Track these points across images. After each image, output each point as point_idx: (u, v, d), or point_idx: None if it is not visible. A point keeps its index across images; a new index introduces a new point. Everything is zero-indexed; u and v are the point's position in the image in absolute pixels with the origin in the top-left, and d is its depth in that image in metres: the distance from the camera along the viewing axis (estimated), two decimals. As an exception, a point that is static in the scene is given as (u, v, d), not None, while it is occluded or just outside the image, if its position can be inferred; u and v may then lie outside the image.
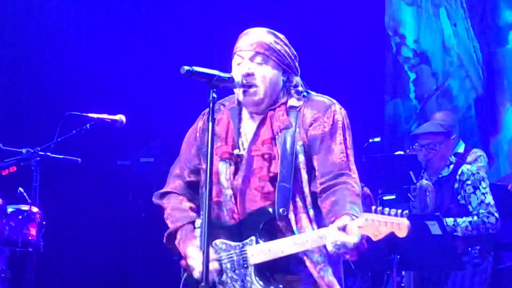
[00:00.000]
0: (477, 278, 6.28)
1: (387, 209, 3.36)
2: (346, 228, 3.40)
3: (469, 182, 6.27)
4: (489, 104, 8.68)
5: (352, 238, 3.39)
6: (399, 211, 3.35)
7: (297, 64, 3.80)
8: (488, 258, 6.37)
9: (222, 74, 3.59)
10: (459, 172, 6.32)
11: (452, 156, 6.50)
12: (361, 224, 3.38)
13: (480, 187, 6.27)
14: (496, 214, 6.25)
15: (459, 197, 6.29)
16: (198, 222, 3.78)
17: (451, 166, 6.41)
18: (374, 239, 3.40)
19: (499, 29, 8.71)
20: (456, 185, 6.31)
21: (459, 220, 6.20)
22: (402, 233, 3.34)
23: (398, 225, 3.34)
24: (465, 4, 8.90)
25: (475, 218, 6.22)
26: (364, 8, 8.89)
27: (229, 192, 3.74)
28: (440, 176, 6.44)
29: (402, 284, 6.62)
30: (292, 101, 3.75)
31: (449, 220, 6.20)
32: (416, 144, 6.63)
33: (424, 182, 6.49)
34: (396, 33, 9.19)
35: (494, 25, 8.73)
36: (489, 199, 6.25)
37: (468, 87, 8.81)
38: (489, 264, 6.38)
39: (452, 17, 8.96)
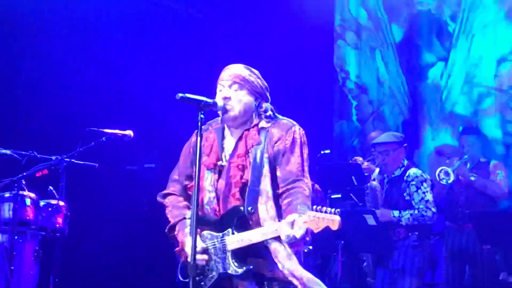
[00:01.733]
0: (417, 257, 6.32)
1: (324, 208, 3.47)
2: (294, 223, 3.47)
3: (413, 182, 6.34)
4: (413, 126, 8.73)
5: (299, 232, 3.47)
6: (333, 209, 3.46)
7: (267, 93, 3.85)
8: (426, 242, 6.41)
9: (208, 100, 3.64)
10: (407, 174, 6.40)
11: (405, 160, 6.53)
12: (306, 219, 3.46)
13: (422, 187, 6.34)
14: (434, 209, 6.32)
15: (405, 194, 6.34)
16: (188, 214, 3.81)
17: (402, 168, 6.48)
18: (315, 231, 3.49)
19: (421, 68, 8.78)
20: (403, 185, 6.35)
21: (403, 212, 6.27)
22: (334, 226, 3.45)
23: (332, 220, 3.44)
24: (395, 48, 8.95)
25: (416, 211, 6.27)
26: (318, 50, 8.99)
27: (213, 194, 3.78)
28: (393, 176, 6.49)
29: (365, 263, 6.66)
30: (262, 123, 3.80)
31: (396, 212, 6.29)
32: (374, 150, 6.70)
33: (374, 183, 6.59)
34: (342, 69, 9.24)
35: (417, 65, 8.80)
36: (429, 197, 6.32)
37: (397, 112, 8.87)
38: (427, 246, 6.43)
39: (385, 58, 9.02)
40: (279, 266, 3.61)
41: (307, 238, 3.57)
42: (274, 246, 3.61)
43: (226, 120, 3.77)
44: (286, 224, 3.49)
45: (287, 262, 3.62)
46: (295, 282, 3.61)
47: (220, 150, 3.82)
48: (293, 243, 3.58)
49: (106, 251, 7.51)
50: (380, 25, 9.04)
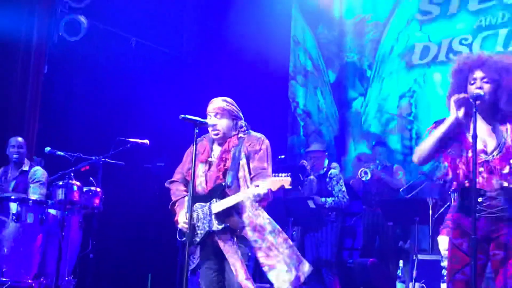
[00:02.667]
0: (334, 230, 6.37)
1: (280, 174, 3.54)
2: (259, 185, 3.52)
3: (334, 178, 6.43)
4: (341, 140, 8.80)
5: (263, 190, 3.50)
6: (286, 174, 3.52)
7: (240, 113, 3.93)
8: (339, 219, 6.46)
9: (201, 120, 3.75)
10: (329, 172, 6.45)
11: (326, 163, 6.60)
12: (270, 180, 3.53)
13: (340, 182, 6.44)
14: (347, 197, 6.37)
15: (328, 186, 6.39)
16: (184, 194, 3.88)
17: (325, 169, 6.53)
18: (273, 189, 3.52)
19: (347, 100, 8.86)
20: (327, 180, 6.41)
21: (328, 198, 6.31)
22: (286, 185, 3.50)
23: (285, 180, 3.49)
24: (330, 86, 9.01)
25: (336, 198, 6.33)
26: (277, 87, 9.09)
27: (203, 178, 3.81)
28: (319, 173, 6.52)
29: (294, 232, 6.66)
30: (240, 134, 3.88)
31: (323, 199, 6.32)
32: (309, 157, 6.75)
33: (311, 177, 6.61)
34: (294, 100, 9.29)
35: (345, 98, 8.89)
36: (344, 188, 6.43)
37: (331, 130, 8.94)
38: (340, 222, 6.48)
39: (323, 93, 9.09)
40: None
41: (266, 198, 3.62)
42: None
43: (215, 139, 3.84)
44: (254, 187, 3.56)
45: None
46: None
47: (210, 151, 3.89)
48: (259, 200, 3.62)
49: (128, 223, 7.50)
50: (320, 71, 9.11)
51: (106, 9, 7.58)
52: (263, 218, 3.70)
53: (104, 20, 7.60)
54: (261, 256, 3.65)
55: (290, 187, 3.52)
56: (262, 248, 3.66)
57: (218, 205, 3.67)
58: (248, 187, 3.68)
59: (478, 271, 2.97)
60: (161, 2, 8.14)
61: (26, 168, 5.86)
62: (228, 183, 3.69)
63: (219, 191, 3.71)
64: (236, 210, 3.69)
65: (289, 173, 3.53)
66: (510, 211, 3.03)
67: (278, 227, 3.75)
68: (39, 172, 5.84)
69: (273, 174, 3.56)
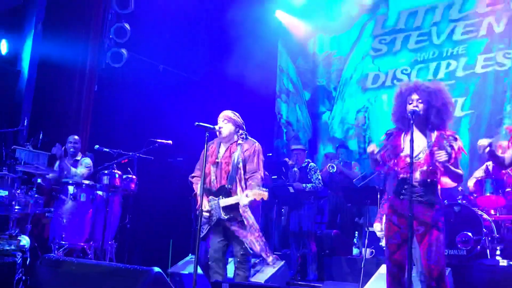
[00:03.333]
0: (313, 210, 6.35)
1: (262, 188, 3.53)
2: (247, 195, 3.53)
3: (313, 169, 6.38)
4: (314, 142, 8.81)
5: (248, 200, 3.54)
6: (266, 189, 3.50)
7: (243, 125, 3.88)
8: (316, 201, 6.47)
9: (211, 126, 3.69)
10: (309, 165, 6.42)
11: (306, 158, 6.59)
12: (252, 194, 3.53)
13: (317, 172, 6.40)
14: (322, 183, 6.36)
15: (308, 175, 6.37)
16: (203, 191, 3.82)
17: (305, 163, 6.50)
18: (257, 199, 3.52)
19: (318, 114, 8.90)
20: (307, 170, 6.39)
21: (307, 184, 6.29)
22: (265, 197, 3.50)
23: (263, 194, 3.49)
24: (306, 103, 9.03)
25: (314, 184, 6.29)
26: (267, 103, 9.07)
27: (214, 177, 3.77)
28: (301, 166, 6.50)
29: (283, 209, 6.66)
30: (239, 141, 3.86)
31: (304, 184, 6.29)
32: (293, 153, 6.70)
33: (295, 169, 6.58)
34: (279, 113, 9.30)
35: (316, 112, 8.93)
36: (320, 177, 6.40)
37: (306, 135, 8.97)
38: (316, 202, 6.49)
39: (301, 108, 9.11)
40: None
41: (248, 204, 3.62)
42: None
43: (220, 139, 3.82)
44: (244, 196, 3.57)
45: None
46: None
47: (217, 154, 3.84)
48: (247, 205, 3.61)
49: (156, 202, 7.48)
50: (299, 91, 9.14)
51: (141, 44, 7.63)
52: (248, 214, 3.70)
53: (139, 51, 7.67)
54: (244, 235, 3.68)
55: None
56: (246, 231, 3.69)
57: (223, 202, 3.69)
58: (245, 184, 3.69)
59: (405, 239, 3.10)
60: (181, 39, 8.19)
61: (78, 158, 5.90)
62: (229, 186, 3.70)
63: (223, 191, 3.72)
64: (237, 206, 3.71)
65: (267, 189, 3.52)
66: (426, 197, 3.12)
67: (256, 224, 3.74)
68: (86, 160, 5.90)
69: (259, 187, 3.55)
